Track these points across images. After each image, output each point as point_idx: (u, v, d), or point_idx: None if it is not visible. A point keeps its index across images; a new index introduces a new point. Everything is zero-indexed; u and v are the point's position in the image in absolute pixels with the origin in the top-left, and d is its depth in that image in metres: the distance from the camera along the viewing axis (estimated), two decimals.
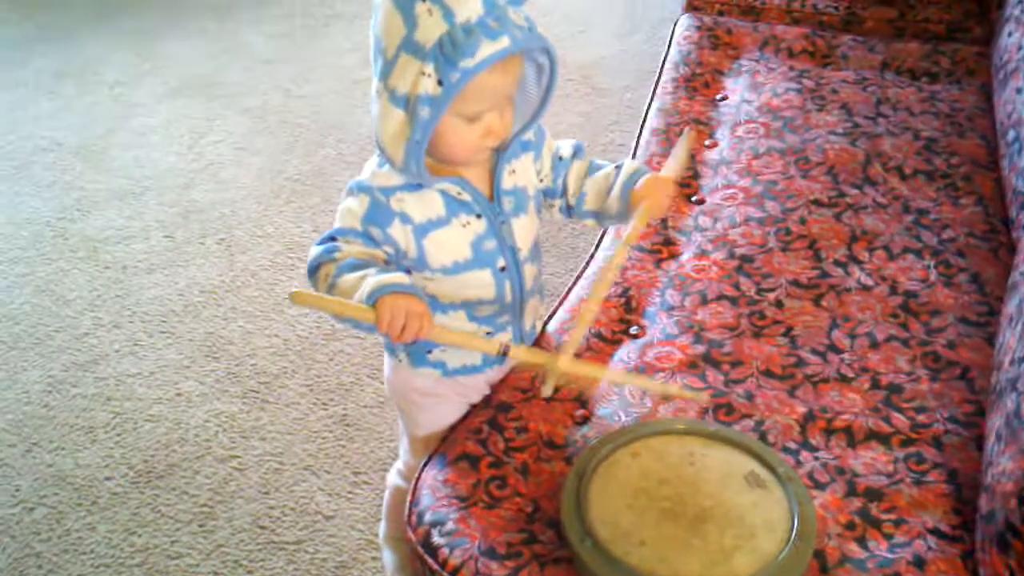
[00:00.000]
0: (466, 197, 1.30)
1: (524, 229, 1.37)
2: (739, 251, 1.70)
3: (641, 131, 2.00)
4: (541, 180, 1.40)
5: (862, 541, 1.26)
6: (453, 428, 1.45)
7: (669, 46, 2.26)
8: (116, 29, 3.29)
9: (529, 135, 1.36)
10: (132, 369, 2.09)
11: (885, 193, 1.80)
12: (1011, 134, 1.79)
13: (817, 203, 1.79)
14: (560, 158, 1.41)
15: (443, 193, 1.29)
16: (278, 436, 1.93)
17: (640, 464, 1.31)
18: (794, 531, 1.22)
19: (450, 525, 1.30)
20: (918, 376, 1.47)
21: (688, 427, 1.38)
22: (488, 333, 1.40)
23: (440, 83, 1.15)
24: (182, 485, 1.85)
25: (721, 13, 2.37)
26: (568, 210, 1.44)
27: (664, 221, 1.78)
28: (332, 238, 1.27)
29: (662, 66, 2.20)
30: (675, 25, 2.34)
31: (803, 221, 1.75)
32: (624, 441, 1.34)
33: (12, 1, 3.50)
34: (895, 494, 1.31)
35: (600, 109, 2.70)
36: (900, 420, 1.41)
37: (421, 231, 1.29)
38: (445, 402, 1.47)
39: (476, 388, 1.48)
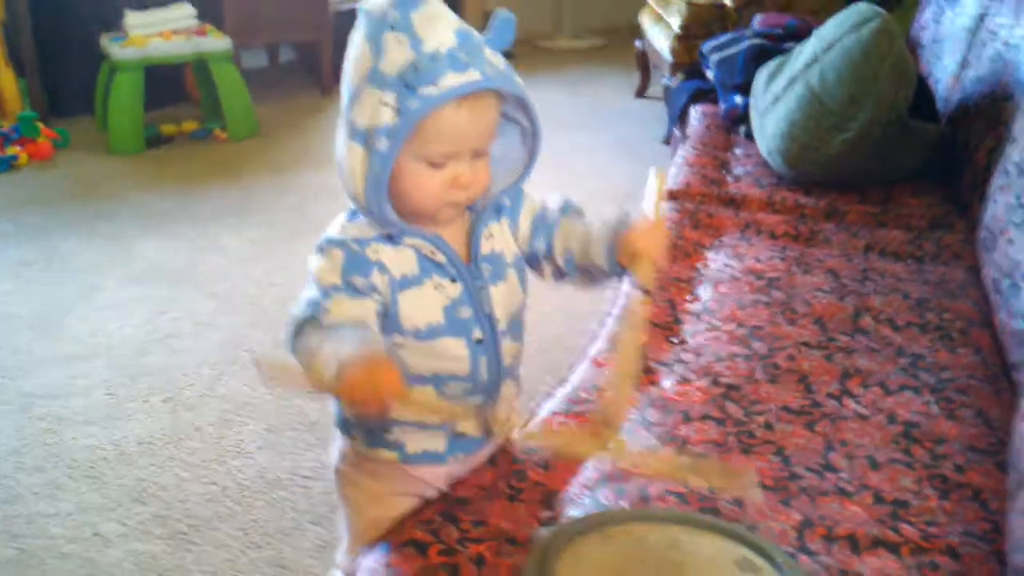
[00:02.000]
0: (440, 258, 1.19)
1: (503, 298, 1.24)
2: (724, 380, 1.57)
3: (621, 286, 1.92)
4: (522, 243, 1.29)
5: None
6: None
7: None
8: (93, 231, 3.27)
9: (505, 198, 1.27)
10: (48, 510, 1.89)
11: (877, 340, 1.71)
12: (1005, 283, 1.72)
13: (807, 345, 1.68)
14: (545, 217, 1.29)
15: (416, 251, 1.18)
16: None
17: (615, 545, 1.14)
18: None
19: None
20: (926, 495, 1.32)
21: (670, 515, 1.21)
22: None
23: (399, 112, 1.07)
24: None
25: (702, 203, 2.36)
26: (559, 273, 1.29)
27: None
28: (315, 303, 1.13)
29: None
30: None
31: (792, 358, 1.64)
32: (597, 523, 1.17)
33: (2, 204, 3.51)
34: None
35: (578, 295, 2.65)
36: (910, 531, 1.25)
37: (396, 286, 1.17)
38: (399, 497, 1.29)
39: (432, 484, 1.31)
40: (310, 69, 5.20)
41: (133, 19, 4.15)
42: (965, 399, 1.54)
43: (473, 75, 1.08)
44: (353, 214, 1.20)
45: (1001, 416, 1.51)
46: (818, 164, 2.37)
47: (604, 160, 3.91)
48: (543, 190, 1.31)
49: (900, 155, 2.39)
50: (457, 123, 1.10)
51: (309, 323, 1.11)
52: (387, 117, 1.08)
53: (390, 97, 1.08)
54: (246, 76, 4.33)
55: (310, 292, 1.15)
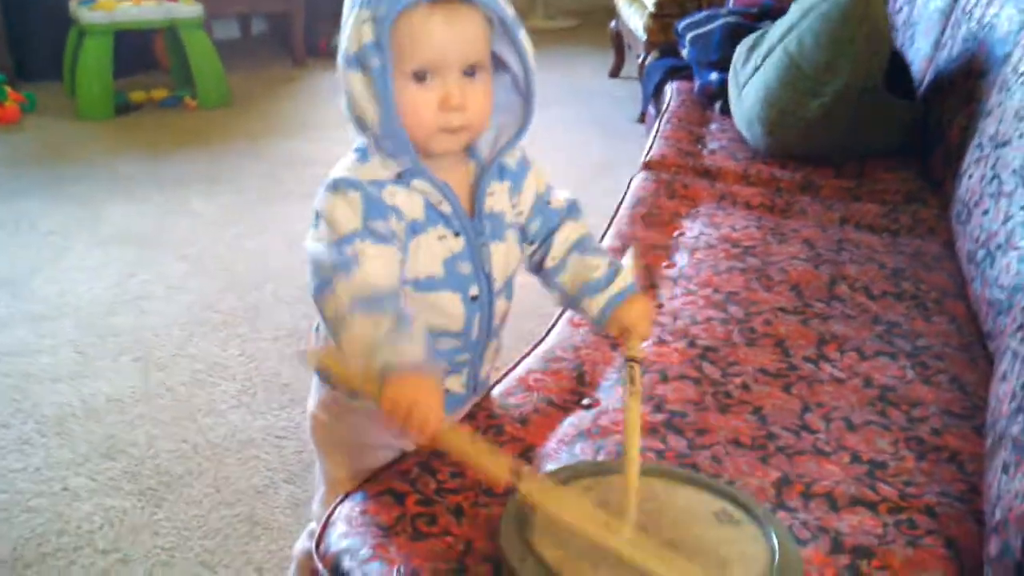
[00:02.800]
0: (446, 208, 1.16)
1: (502, 257, 1.22)
2: (701, 342, 1.57)
3: None
4: (519, 215, 1.26)
5: None
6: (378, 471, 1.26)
7: (626, 193, 2.22)
8: (60, 193, 3.23)
9: (511, 162, 1.24)
10: (15, 465, 1.86)
11: (853, 307, 1.71)
12: (980, 253, 1.73)
13: (783, 310, 1.68)
14: (548, 203, 1.27)
15: (424, 198, 1.15)
16: (173, 531, 1.69)
17: (594, 496, 1.13)
18: (776, 563, 1.04)
19: (365, 551, 1.10)
20: (903, 456, 1.32)
21: (649, 467, 1.21)
22: (443, 372, 1.24)
23: (375, 22, 1.06)
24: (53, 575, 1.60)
25: (677, 173, 2.36)
26: (539, 269, 1.29)
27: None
28: (340, 251, 1.08)
29: (618, 207, 2.15)
30: (631, 180, 2.31)
31: (768, 323, 1.64)
32: (575, 475, 1.17)
33: None
34: (888, 553, 1.14)
35: None
36: (887, 490, 1.25)
37: (410, 232, 1.14)
38: (378, 450, 1.28)
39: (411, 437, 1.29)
40: (282, 41, 5.15)
41: None
42: (940, 365, 1.54)
43: None
44: (363, 155, 1.15)
45: (976, 382, 1.51)
46: (796, 130, 2.38)
47: (579, 138, 3.91)
48: None
49: (876, 129, 2.40)
50: (430, 29, 1.08)
51: (339, 280, 1.06)
52: (368, 32, 1.07)
53: (367, 13, 1.07)
54: (218, 47, 4.29)
55: (326, 237, 1.10)
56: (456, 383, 1.27)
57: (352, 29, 1.09)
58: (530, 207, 1.26)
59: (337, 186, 1.12)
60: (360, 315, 1.04)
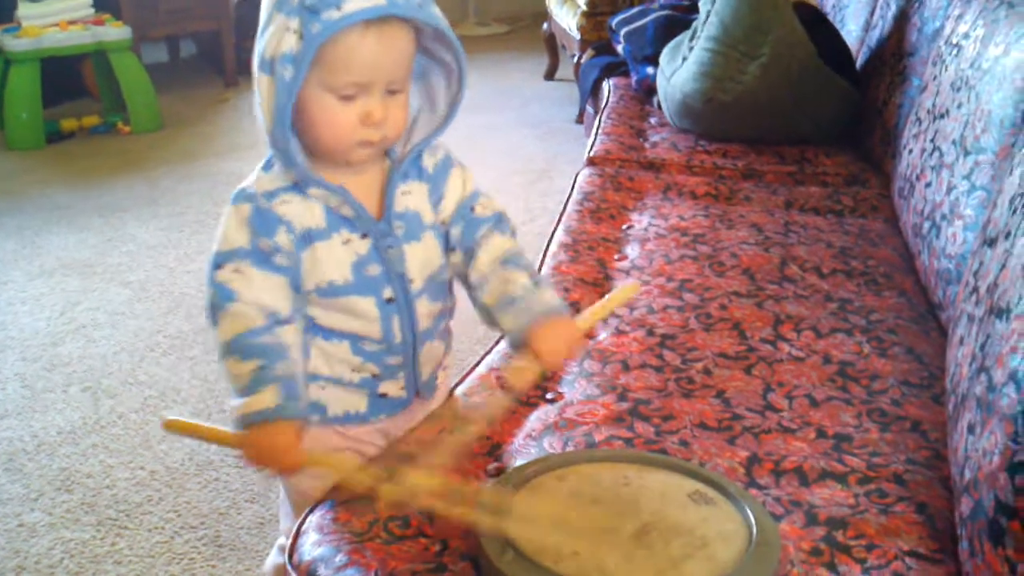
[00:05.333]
0: (348, 212, 1.14)
1: (419, 257, 1.19)
2: (659, 330, 1.57)
3: (548, 247, 1.91)
4: (442, 221, 1.22)
5: (832, 567, 1.09)
6: None
7: (572, 189, 2.22)
8: None
9: (429, 164, 1.21)
10: None
11: (805, 288, 1.73)
12: (926, 225, 1.75)
13: (737, 294, 1.69)
14: (472, 208, 1.22)
15: (323, 203, 1.14)
16: (136, 559, 1.65)
17: (568, 486, 1.14)
18: (754, 539, 1.04)
19: (341, 558, 1.08)
20: (867, 428, 1.34)
21: (621, 454, 1.21)
22: (375, 376, 1.21)
23: (302, 37, 1.03)
24: None
25: (621, 167, 2.36)
26: (465, 282, 1.23)
27: (576, 312, 1.65)
28: (219, 265, 1.11)
29: (566, 202, 2.15)
30: (577, 175, 2.32)
31: (724, 307, 1.65)
32: (548, 467, 1.16)
33: None
34: (861, 522, 1.15)
35: None
36: (855, 461, 1.26)
37: (301, 241, 1.13)
38: (340, 454, 1.26)
39: (368, 441, 1.27)
40: (212, 62, 5.09)
41: (26, 9, 4.02)
42: (895, 338, 1.56)
43: (379, 0, 1.04)
44: (268, 163, 1.16)
45: (931, 352, 1.53)
46: (735, 95, 2.39)
47: (518, 141, 3.90)
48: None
49: (815, 99, 2.41)
50: (363, 51, 1.06)
51: (219, 313, 1.10)
52: (291, 43, 1.04)
53: (295, 23, 1.04)
54: (147, 71, 4.21)
55: (216, 252, 1.13)
56: (394, 388, 1.24)
57: (274, 31, 1.06)
58: (452, 211, 1.22)
59: (235, 198, 1.15)
60: (232, 360, 1.07)
